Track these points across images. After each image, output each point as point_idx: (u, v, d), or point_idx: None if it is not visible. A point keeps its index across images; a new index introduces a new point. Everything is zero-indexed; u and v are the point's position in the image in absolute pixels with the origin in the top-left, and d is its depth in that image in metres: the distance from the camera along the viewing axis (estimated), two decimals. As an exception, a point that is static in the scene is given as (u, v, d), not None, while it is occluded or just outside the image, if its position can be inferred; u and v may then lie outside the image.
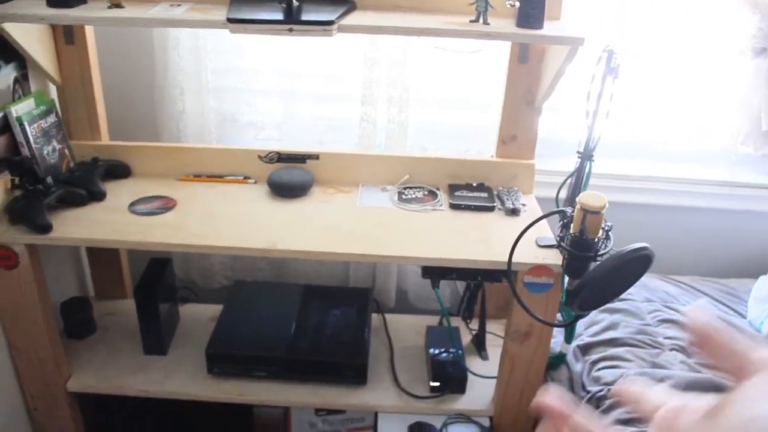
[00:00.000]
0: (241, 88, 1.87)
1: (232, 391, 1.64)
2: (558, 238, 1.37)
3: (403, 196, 1.65)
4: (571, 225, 1.31)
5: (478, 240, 1.48)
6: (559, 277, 1.41)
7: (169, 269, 1.77)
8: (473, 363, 1.72)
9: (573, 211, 1.31)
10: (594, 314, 1.73)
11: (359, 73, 1.76)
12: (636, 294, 1.80)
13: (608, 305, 1.70)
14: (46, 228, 1.43)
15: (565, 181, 1.56)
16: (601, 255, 1.30)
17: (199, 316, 1.89)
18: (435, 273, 1.47)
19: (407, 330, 1.87)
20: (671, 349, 1.60)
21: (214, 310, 1.87)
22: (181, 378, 1.66)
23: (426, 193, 1.67)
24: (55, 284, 1.77)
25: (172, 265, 1.80)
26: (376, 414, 1.98)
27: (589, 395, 1.52)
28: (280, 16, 1.37)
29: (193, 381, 1.65)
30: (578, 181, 1.50)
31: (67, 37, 1.61)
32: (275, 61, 1.83)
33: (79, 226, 1.47)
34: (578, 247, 1.30)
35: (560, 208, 1.38)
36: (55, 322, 1.60)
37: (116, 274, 1.94)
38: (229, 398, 1.63)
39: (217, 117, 1.87)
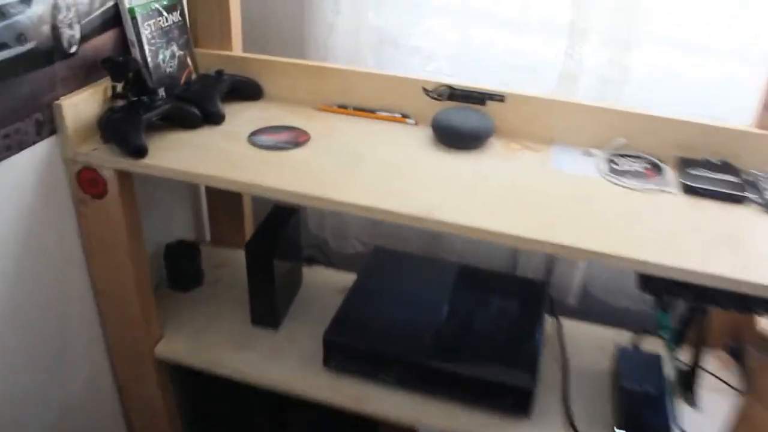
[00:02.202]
0: (408, 4, 1.46)
1: (348, 393, 1.26)
2: None
3: (615, 166, 1.18)
4: None
5: (723, 244, 0.99)
6: None
7: (293, 221, 1.41)
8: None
9: None
10: None
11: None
12: None
13: None
14: (139, 151, 1.10)
15: None
16: None
17: (327, 284, 1.53)
18: (661, 287, 0.99)
19: (589, 343, 1.40)
20: None
21: (347, 279, 1.50)
22: (290, 364, 1.31)
23: (648, 165, 1.19)
24: (165, 223, 1.49)
25: (298, 217, 1.44)
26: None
27: None
28: None
29: (303, 371, 1.29)
30: None
31: None
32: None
33: (180, 152, 1.14)
34: None
35: None
36: (149, 269, 1.29)
37: (237, 217, 1.62)
38: (342, 402, 1.26)
39: (375, 37, 1.47)
